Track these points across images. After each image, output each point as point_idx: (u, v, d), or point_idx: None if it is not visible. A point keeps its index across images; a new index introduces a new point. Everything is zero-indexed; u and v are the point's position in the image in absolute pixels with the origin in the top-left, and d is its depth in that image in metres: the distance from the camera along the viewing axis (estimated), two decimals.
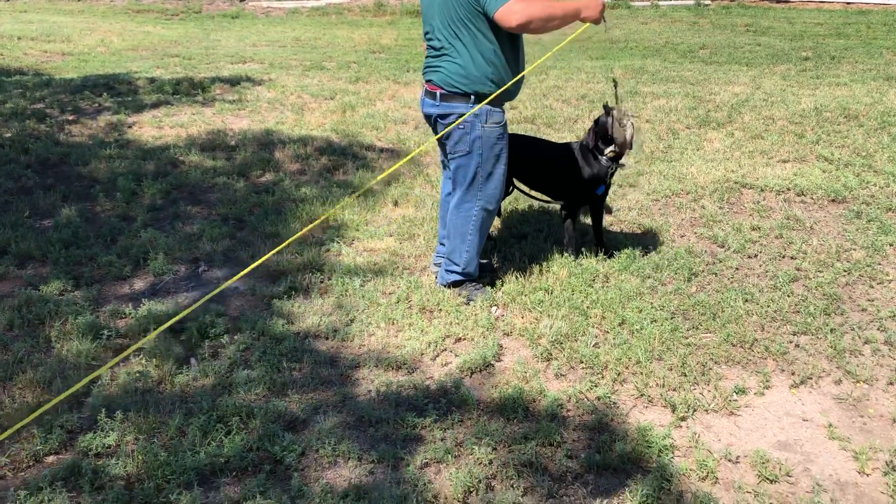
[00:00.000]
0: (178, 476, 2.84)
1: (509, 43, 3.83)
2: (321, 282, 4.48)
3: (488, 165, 3.99)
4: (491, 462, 2.95)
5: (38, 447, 3.05)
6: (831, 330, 3.90)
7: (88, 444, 3.05)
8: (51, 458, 3.04)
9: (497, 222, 5.26)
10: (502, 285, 4.35)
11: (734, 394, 3.40)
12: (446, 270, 4.28)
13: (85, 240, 5.02)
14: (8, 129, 7.36)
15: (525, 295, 4.22)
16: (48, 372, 3.54)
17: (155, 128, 7.61)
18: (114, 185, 5.91)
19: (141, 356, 3.68)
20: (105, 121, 7.83)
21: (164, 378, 3.53)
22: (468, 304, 4.18)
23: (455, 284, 4.29)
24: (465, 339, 3.89)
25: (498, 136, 3.94)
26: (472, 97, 3.84)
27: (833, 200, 5.61)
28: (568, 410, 3.30)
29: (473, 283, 4.29)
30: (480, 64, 3.78)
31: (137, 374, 3.54)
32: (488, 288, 4.32)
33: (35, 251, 4.85)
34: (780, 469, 2.92)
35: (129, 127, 7.64)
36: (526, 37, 3.93)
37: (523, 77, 3.99)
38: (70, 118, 7.95)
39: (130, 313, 4.09)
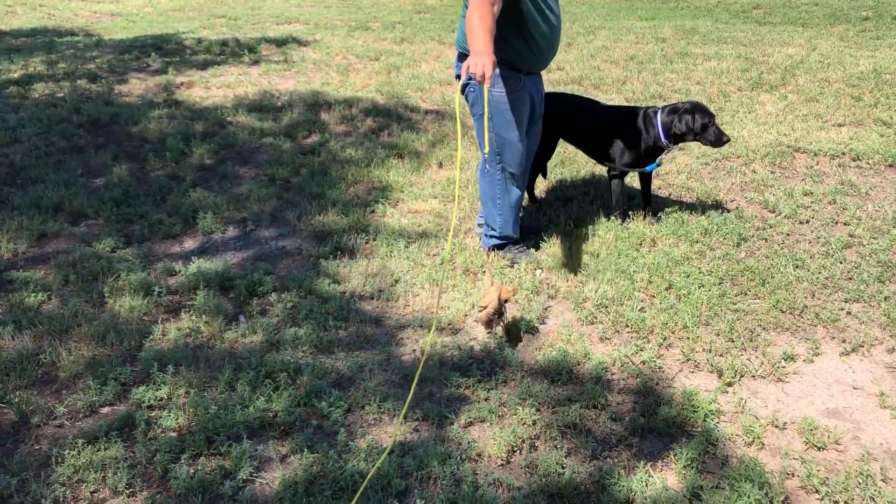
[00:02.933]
0: (227, 429, 2.91)
1: (516, 15, 3.73)
2: (366, 243, 4.51)
3: (502, 130, 3.95)
4: (534, 423, 2.97)
5: (94, 398, 3.15)
6: (885, 298, 3.81)
7: (141, 396, 3.14)
8: (106, 409, 3.14)
9: (542, 183, 5.22)
10: (548, 248, 4.32)
11: (782, 360, 3.36)
12: (486, 235, 4.29)
13: (135, 198, 5.12)
14: (60, 90, 7.49)
15: (571, 258, 4.19)
16: (102, 326, 3.64)
17: (203, 88, 7.67)
18: (163, 145, 5.99)
19: (192, 312, 3.76)
20: (154, 81, 7.92)
21: (214, 334, 3.60)
22: (512, 266, 4.17)
23: (498, 248, 4.29)
24: (509, 301, 3.88)
25: (512, 101, 3.88)
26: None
27: (890, 165, 5.44)
28: (612, 374, 3.29)
29: (517, 246, 4.27)
30: None
31: (188, 330, 3.62)
32: (532, 251, 4.30)
33: (88, 209, 4.95)
34: (828, 436, 2.88)
35: (178, 87, 7.72)
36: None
37: (548, 48, 3.89)
38: (120, 78, 8.06)
39: (180, 271, 4.16)
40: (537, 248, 4.37)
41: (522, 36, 3.79)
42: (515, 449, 2.84)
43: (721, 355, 3.39)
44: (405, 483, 2.66)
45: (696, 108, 4.28)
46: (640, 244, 4.33)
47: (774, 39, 9.44)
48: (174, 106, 7.01)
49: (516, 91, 3.88)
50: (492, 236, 4.27)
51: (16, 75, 8.05)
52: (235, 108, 6.88)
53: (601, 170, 5.32)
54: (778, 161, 5.50)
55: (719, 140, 4.28)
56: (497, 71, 3.78)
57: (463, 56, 3.93)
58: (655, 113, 4.37)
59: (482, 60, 3.29)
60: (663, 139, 4.32)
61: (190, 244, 4.58)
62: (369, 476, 2.65)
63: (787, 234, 4.49)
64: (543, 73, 4.48)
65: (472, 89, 3.93)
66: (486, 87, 3.43)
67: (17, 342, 3.55)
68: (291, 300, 3.87)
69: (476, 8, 3.48)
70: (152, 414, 3.05)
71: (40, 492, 2.65)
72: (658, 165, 4.44)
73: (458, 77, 3.89)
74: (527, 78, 3.93)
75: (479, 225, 4.54)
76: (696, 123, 4.24)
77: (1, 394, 3.18)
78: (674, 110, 4.32)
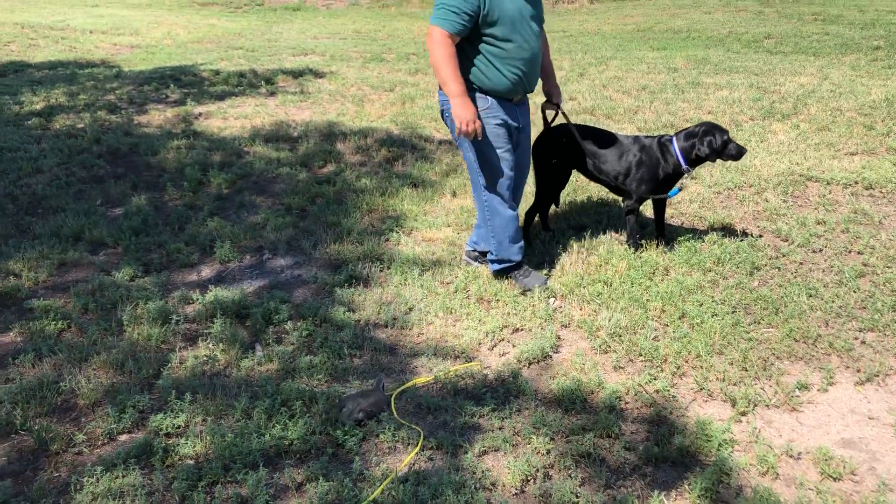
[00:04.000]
0: (244, 457, 2.93)
1: (480, 39, 3.85)
2: (381, 271, 4.55)
3: (480, 150, 4.03)
4: (549, 452, 2.98)
5: (113, 426, 3.19)
6: None
7: (159, 423, 3.17)
8: (124, 437, 3.18)
9: (555, 212, 5.26)
10: (561, 276, 4.35)
11: (796, 389, 3.36)
12: (489, 260, 4.34)
13: (154, 227, 5.20)
14: (81, 121, 7.63)
15: (584, 287, 4.22)
16: (120, 354, 3.69)
17: (220, 119, 7.80)
18: (181, 175, 6.09)
19: (208, 340, 3.80)
20: (172, 112, 8.06)
21: (230, 362, 3.64)
22: (524, 294, 4.20)
23: (503, 273, 4.33)
24: (522, 330, 3.92)
25: (484, 120, 3.95)
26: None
27: None
28: (626, 403, 3.30)
29: (521, 270, 4.30)
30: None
31: (205, 358, 3.66)
32: (539, 274, 4.32)
33: (107, 238, 5.03)
34: (843, 467, 2.87)
35: (196, 118, 7.85)
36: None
37: (526, 74, 3.95)
38: (139, 109, 8.20)
39: (198, 299, 4.22)
40: (549, 276, 4.40)
41: (487, 59, 3.88)
42: (529, 478, 2.85)
43: (735, 384, 3.40)
44: None
45: (714, 128, 4.35)
46: (653, 273, 4.35)
47: (786, 69, 9.49)
48: (192, 136, 7.12)
49: (486, 110, 3.95)
50: (493, 261, 4.31)
51: (38, 107, 8.22)
52: (252, 139, 6.98)
53: (613, 197, 5.36)
54: (790, 190, 5.52)
55: (740, 153, 4.36)
56: (471, 94, 3.91)
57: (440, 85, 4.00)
58: (671, 140, 4.41)
59: (467, 116, 3.76)
60: (684, 164, 4.36)
61: (207, 273, 4.64)
62: (374, 494, 2.67)
63: (801, 263, 4.50)
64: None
65: (448, 115, 4.03)
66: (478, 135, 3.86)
67: (37, 370, 3.60)
68: (307, 328, 3.91)
69: (443, 47, 3.72)
70: (170, 441, 3.08)
71: None
72: (680, 190, 4.52)
73: (441, 107, 4.10)
74: (498, 101, 3.97)
75: (466, 252, 4.60)
76: (719, 142, 4.29)
77: (21, 421, 3.22)
78: (691, 135, 4.37)
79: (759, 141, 6.60)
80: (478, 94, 3.95)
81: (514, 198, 4.37)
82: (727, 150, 4.32)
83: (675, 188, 4.48)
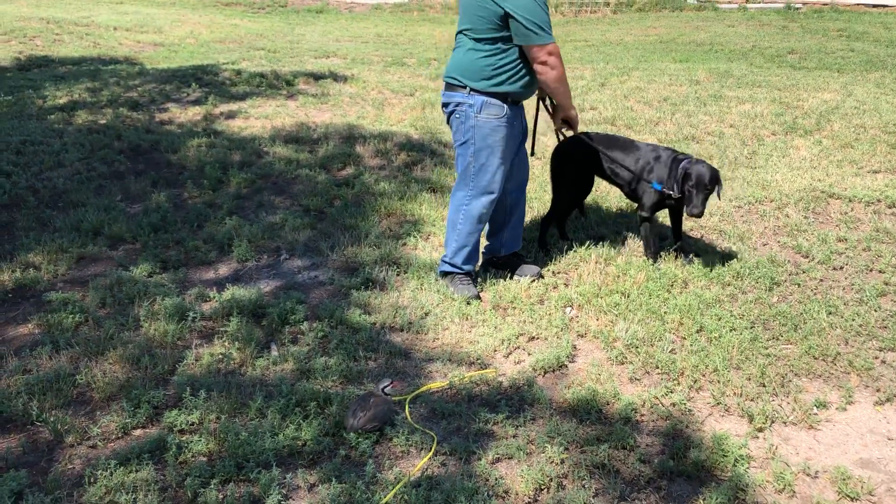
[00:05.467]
0: (257, 456, 2.93)
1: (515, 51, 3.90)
2: (397, 275, 4.55)
3: (482, 156, 4.03)
4: (563, 461, 2.96)
5: (127, 420, 3.20)
6: None
7: (173, 420, 3.18)
8: (138, 432, 3.18)
9: (574, 221, 5.24)
10: (579, 286, 4.33)
11: (814, 407, 3.32)
12: (442, 259, 4.37)
13: (173, 225, 5.22)
14: (103, 116, 7.69)
15: (601, 297, 4.20)
16: (137, 350, 3.70)
17: (241, 119, 7.83)
18: (201, 173, 6.12)
19: (224, 338, 3.81)
20: (194, 110, 8.10)
21: (245, 361, 3.65)
22: (454, 296, 4.23)
23: (444, 275, 4.35)
24: (538, 339, 3.90)
25: (493, 127, 3.97)
26: (468, 88, 3.95)
27: None
28: (642, 415, 3.28)
29: (463, 277, 4.30)
30: (474, 60, 3.91)
31: (221, 356, 3.67)
32: (474, 289, 4.29)
33: (126, 234, 5.06)
34: (861, 487, 2.83)
35: (217, 117, 7.89)
36: None
37: (531, 80, 4.00)
38: (161, 107, 8.26)
39: (215, 297, 4.23)
40: (566, 285, 4.38)
41: (523, 63, 3.93)
42: (543, 487, 2.83)
43: (752, 400, 3.36)
44: None
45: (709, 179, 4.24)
46: (672, 285, 4.32)
47: (809, 84, 9.43)
48: (213, 135, 7.16)
49: (500, 118, 3.97)
50: (444, 261, 4.34)
51: (61, 101, 8.29)
52: (272, 139, 7.00)
53: (633, 207, 5.34)
54: (812, 206, 5.47)
55: (696, 213, 4.26)
56: (485, 98, 3.93)
57: (450, 86, 4.04)
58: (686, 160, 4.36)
59: (575, 120, 4.24)
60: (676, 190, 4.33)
61: (225, 271, 4.65)
62: (387, 497, 2.66)
63: (821, 280, 4.46)
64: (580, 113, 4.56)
65: (456, 116, 4.05)
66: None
67: (53, 362, 3.62)
68: (322, 330, 3.91)
69: (561, 63, 3.92)
70: (183, 438, 3.09)
71: None
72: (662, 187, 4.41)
73: (444, 105, 4.13)
74: (511, 107, 4.00)
75: (483, 259, 4.64)
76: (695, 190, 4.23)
77: (37, 412, 3.24)
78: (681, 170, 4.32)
79: (780, 156, 6.55)
80: (494, 102, 3.95)
81: (522, 196, 4.46)
82: (692, 201, 4.24)
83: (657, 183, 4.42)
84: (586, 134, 4.66)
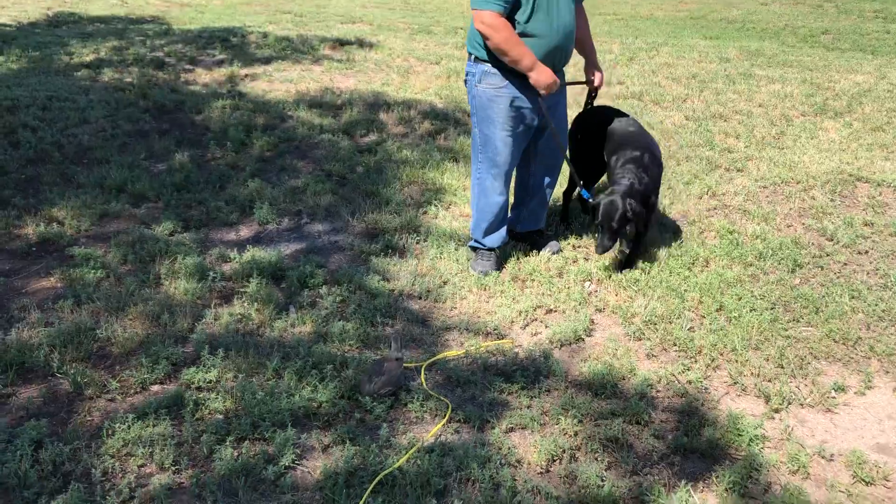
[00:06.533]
0: (273, 415, 2.96)
1: (519, 23, 3.72)
2: (417, 243, 4.54)
3: (484, 127, 3.97)
4: (576, 434, 2.96)
5: (146, 376, 3.23)
6: None
7: (191, 377, 3.21)
8: (156, 388, 3.22)
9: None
10: (599, 261, 4.30)
11: (832, 391, 3.29)
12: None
13: (196, 185, 5.24)
14: (129, 75, 7.70)
15: (621, 273, 4.17)
16: (157, 307, 3.73)
17: (266, 82, 7.81)
18: (225, 135, 6.12)
19: (244, 299, 3.83)
20: (219, 72, 8.09)
21: (264, 322, 3.67)
22: (470, 270, 4.22)
23: (471, 249, 4.34)
24: (556, 311, 3.89)
25: (490, 98, 3.88)
26: (473, 57, 3.90)
27: None
28: (657, 391, 3.27)
29: (485, 253, 4.25)
30: (472, 26, 3.81)
31: (239, 316, 3.69)
32: (492, 266, 4.23)
33: (149, 192, 5.09)
34: (877, 472, 2.81)
35: (242, 79, 7.87)
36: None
37: (550, 52, 3.79)
38: (186, 67, 8.25)
39: (235, 258, 4.25)
40: (586, 259, 4.36)
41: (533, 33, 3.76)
42: (555, 458, 2.84)
43: (769, 381, 3.34)
44: (444, 483, 2.67)
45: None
46: (693, 263, 4.29)
47: (842, 66, 9.25)
48: (237, 97, 7.15)
49: (498, 89, 3.86)
50: (471, 237, 4.31)
51: (88, 59, 8.30)
52: (297, 104, 6.98)
53: None
54: (839, 189, 5.39)
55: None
56: (485, 68, 3.85)
57: (469, 54, 3.95)
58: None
59: (546, 82, 3.76)
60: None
61: (245, 233, 4.67)
62: (401, 461, 2.68)
63: (845, 264, 4.40)
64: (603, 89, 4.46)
65: (466, 85, 4.01)
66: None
67: (75, 315, 3.66)
68: (341, 294, 3.92)
69: (500, 29, 3.63)
70: (200, 395, 3.12)
71: (91, 462, 2.73)
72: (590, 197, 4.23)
73: (466, 76, 4.03)
74: (513, 80, 3.84)
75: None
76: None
77: (58, 364, 3.28)
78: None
79: (809, 137, 6.44)
80: (493, 72, 3.85)
81: (549, 180, 4.34)
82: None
83: (585, 192, 4.26)
84: (608, 108, 4.55)
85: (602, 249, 4.03)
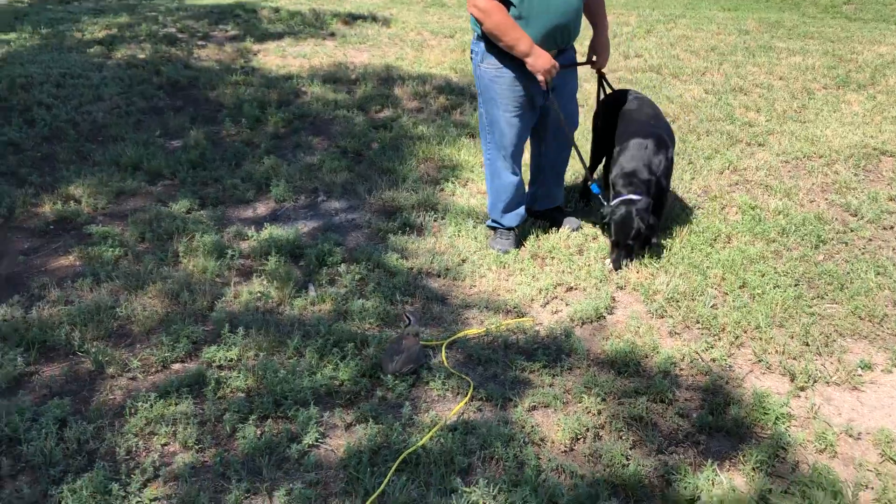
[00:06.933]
0: (295, 394, 2.95)
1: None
2: (434, 220, 4.50)
3: (489, 109, 3.91)
4: (599, 412, 2.94)
5: (167, 354, 3.23)
6: None
7: (212, 355, 3.20)
8: (177, 366, 3.22)
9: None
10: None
11: (859, 369, 3.25)
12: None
13: (211, 162, 5.21)
14: (142, 51, 7.65)
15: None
16: (176, 285, 3.72)
17: (279, 57, 7.75)
18: (239, 111, 6.08)
19: (262, 277, 3.82)
20: (231, 47, 8.03)
21: (283, 300, 3.65)
22: (490, 248, 4.19)
23: (491, 229, 4.30)
24: (576, 289, 3.85)
25: (491, 78, 3.81)
26: (476, 34, 3.82)
27: None
28: (681, 369, 3.23)
29: (503, 232, 4.22)
30: None
31: (259, 294, 3.67)
32: (511, 244, 4.19)
33: (165, 169, 5.06)
34: None
35: (255, 55, 7.81)
36: None
37: (549, 32, 3.66)
38: (199, 43, 8.19)
39: (253, 236, 4.23)
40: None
41: (526, 16, 3.62)
42: (579, 437, 2.82)
43: (794, 359, 3.30)
44: (468, 461, 2.66)
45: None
46: (715, 239, 4.23)
47: (865, 37, 9.07)
48: (250, 73, 7.09)
49: (499, 69, 3.78)
50: (488, 216, 4.29)
51: (100, 35, 8.25)
52: (310, 79, 6.92)
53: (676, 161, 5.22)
54: (862, 163, 5.30)
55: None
56: (485, 46, 3.77)
57: (476, 34, 3.84)
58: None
59: (544, 67, 3.63)
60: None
61: (262, 210, 4.64)
62: (424, 439, 2.66)
63: (869, 240, 4.33)
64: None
65: (474, 61, 3.92)
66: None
67: (94, 294, 3.66)
68: (360, 272, 3.89)
69: (494, 12, 3.54)
70: (222, 374, 3.11)
71: (115, 440, 2.74)
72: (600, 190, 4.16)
73: (472, 54, 3.95)
74: (511, 62, 3.73)
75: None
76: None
77: (79, 343, 3.28)
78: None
79: (831, 111, 6.33)
80: (491, 51, 3.75)
81: (562, 157, 4.26)
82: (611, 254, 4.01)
83: (595, 186, 4.16)
84: (628, 92, 4.45)
85: (618, 266, 3.96)
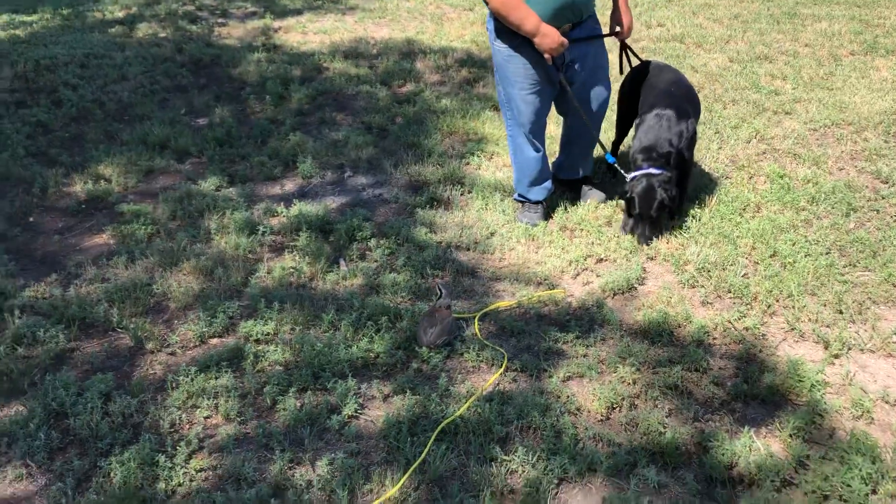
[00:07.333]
0: (332, 366, 2.99)
1: None
2: (461, 194, 4.51)
3: (506, 86, 3.90)
4: (634, 382, 2.96)
5: (204, 329, 3.28)
6: None
7: (249, 330, 3.25)
8: (215, 341, 3.27)
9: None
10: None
11: (894, 335, 3.24)
12: None
13: (237, 139, 5.24)
14: (164, 30, 7.66)
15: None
16: (209, 261, 3.77)
17: (299, 33, 7.73)
18: (262, 88, 6.09)
19: (294, 253, 3.85)
20: (252, 24, 8.03)
21: (315, 275, 3.69)
22: (517, 221, 4.20)
23: (519, 202, 4.31)
24: (607, 260, 3.86)
25: (505, 57, 3.79)
26: (489, 12, 3.77)
27: None
28: (714, 338, 3.24)
29: (531, 206, 4.22)
30: None
31: (292, 269, 3.71)
32: (539, 217, 4.19)
33: (192, 147, 5.10)
34: None
35: (275, 31, 7.80)
36: None
37: (559, 8, 3.62)
38: (219, 21, 8.19)
39: (282, 212, 4.26)
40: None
41: None
42: (615, 406, 2.84)
43: (828, 326, 3.30)
44: (506, 430, 2.70)
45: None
46: (744, 209, 4.21)
47: (892, 1, 8.90)
48: (272, 50, 7.10)
49: (511, 48, 3.75)
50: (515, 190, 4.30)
51: (120, 15, 8.27)
52: (332, 55, 6.91)
53: (697, 134, 5.19)
54: (892, 130, 5.23)
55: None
56: (498, 24, 3.73)
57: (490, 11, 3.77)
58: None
59: (551, 46, 3.59)
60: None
61: (290, 187, 4.67)
62: (462, 409, 2.70)
63: None
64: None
65: (490, 41, 3.90)
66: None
67: (129, 271, 3.71)
68: (389, 247, 3.92)
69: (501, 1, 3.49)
70: (259, 348, 3.16)
71: (158, 414, 2.79)
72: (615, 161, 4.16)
73: (487, 30, 3.92)
74: (522, 40, 3.68)
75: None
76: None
77: (118, 319, 3.34)
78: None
79: (859, 77, 6.25)
80: (501, 29, 3.72)
81: (584, 134, 4.20)
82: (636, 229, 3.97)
83: (610, 156, 4.16)
84: (649, 63, 4.39)
85: (645, 240, 3.92)
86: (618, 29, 4.00)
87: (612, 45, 4.22)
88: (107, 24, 7.88)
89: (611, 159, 4.14)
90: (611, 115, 4.64)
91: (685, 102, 4.10)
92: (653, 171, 3.88)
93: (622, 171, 4.08)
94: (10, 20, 7.95)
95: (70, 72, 6.24)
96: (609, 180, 4.68)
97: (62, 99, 5.74)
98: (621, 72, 4.38)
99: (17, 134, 5.14)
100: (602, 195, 4.40)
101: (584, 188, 4.43)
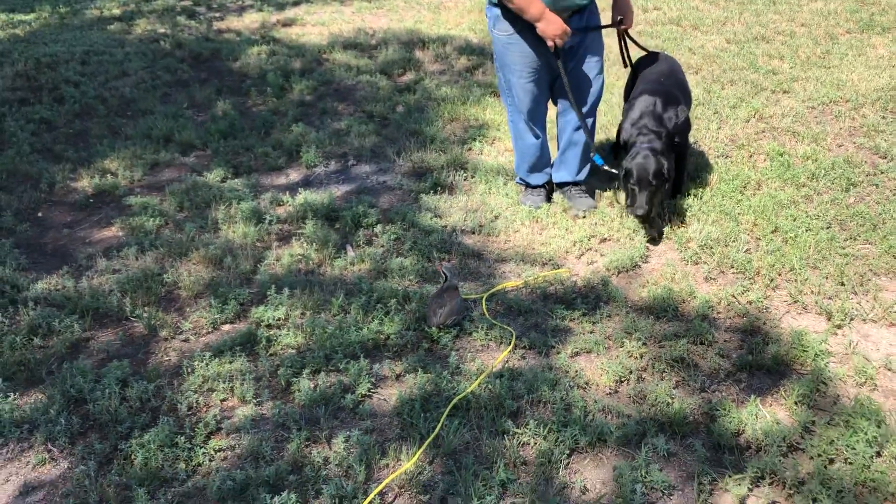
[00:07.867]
0: (344, 348, 3.04)
1: None
2: (465, 179, 4.56)
3: (505, 73, 3.93)
4: (641, 356, 3.01)
5: (216, 316, 3.33)
6: None
7: (261, 315, 3.30)
8: (227, 327, 3.32)
9: None
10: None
11: (895, 306, 3.29)
12: None
13: (241, 131, 5.28)
14: (162, 25, 7.70)
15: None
16: (218, 250, 3.81)
17: (298, 26, 7.77)
18: (263, 81, 6.13)
19: (301, 240, 3.90)
20: (250, 18, 8.06)
21: (323, 261, 3.74)
22: (521, 204, 4.24)
23: (522, 185, 4.36)
24: (610, 240, 3.91)
25: (504, 44, 3.81)
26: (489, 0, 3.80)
27: None
28: (718, 312, 3.29)
29: (533, 189, 4.27)
30: None
31: (300, 257, 3.76)
32: (541, 199, 4.23)
33: (196, 140, 5.14)
34: None
35: (274, 24, 7.83)
36: None
37: None
38: (217, 15, 8.22)
39: (288, 201, 4.31)
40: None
41: None
42: (623, 379, 2.89)
43: (830, 298, 3.35)
44: (517, 405, 2.75)
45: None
46: (745, 187, 4.26)
47: None
48: (272, 42, 7.13)
49: (510, 35, 3.77)
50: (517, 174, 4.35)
51: (117, 11, 8.30)
52: (331, 46, 6.95)
53: (698, 114, 5.23)
54: (890, 106, 5.28)
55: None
56: (497, 11, 3.75)
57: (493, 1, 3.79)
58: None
59: (554, 33, 3.59)
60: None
61: (295, 176, 4.72)
62: (473, 385, 2.75)
63: None
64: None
65: (489, 29, 3.92)
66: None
67: (140, 262, 3.76)
68: (395, 232, 3.97)
69: None
70: (271, 332, 3.21)
71: (175, 398, 2.85)
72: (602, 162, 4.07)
73: (487, 18, 3.91)
74: (523, 26, 3.69)
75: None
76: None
77: (131, 308, 3.39)
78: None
79: (856, 55, 6.29)
80: (501, 16, 3.74)
81: (581, 125, 4.07)
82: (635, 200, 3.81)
83: (598, 158, 4.06)
84: (655, 54, 4.41)
85: (642, 210, 3.73)
86: (619, 18, 3.98)
87: (608, 34, 4.25)
88: (105, 22, 7.92)
89: (599, 161, 4.03)
90: (614, 113, 4.68)
91: (674, 88, 4.11)
92: (644, 144, 3.85)
93: (610, 169, 4.06)
94: (9, 19, 7.99)
95: (71, 69, 6.27)
96: (612, 163, 4.71)
97: (64, 96, 5.78)
98: (625, 65, 4.39)
99: (21, 131, 5.18)
100: (592, 203, 4.21)
101: (573, 190, 4.27)
